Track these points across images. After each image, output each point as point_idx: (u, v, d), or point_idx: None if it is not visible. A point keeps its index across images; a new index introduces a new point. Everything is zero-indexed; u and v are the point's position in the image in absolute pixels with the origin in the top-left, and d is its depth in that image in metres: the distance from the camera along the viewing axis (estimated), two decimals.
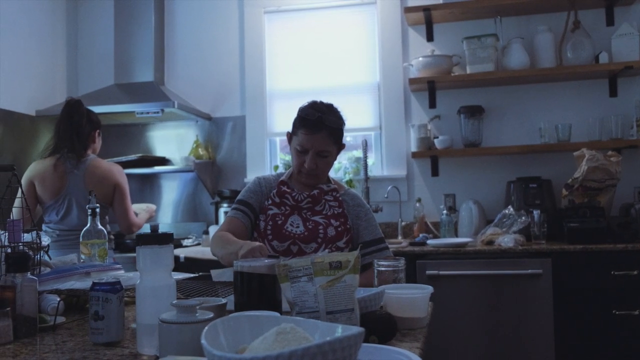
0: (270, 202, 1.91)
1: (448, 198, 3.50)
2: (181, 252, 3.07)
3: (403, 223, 3.52)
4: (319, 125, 1.82)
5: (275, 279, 1.17)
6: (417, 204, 3.48)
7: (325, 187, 1.92)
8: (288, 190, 1.91)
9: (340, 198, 1.92)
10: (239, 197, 1.96)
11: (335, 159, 1.94)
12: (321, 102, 1.91)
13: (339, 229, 1.87)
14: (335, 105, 1.95)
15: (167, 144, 3.94)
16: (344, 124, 1.92)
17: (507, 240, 2.88)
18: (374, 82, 3.73)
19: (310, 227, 1.85)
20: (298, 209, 1.89)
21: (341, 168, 3.65)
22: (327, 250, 1.80)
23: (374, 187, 3.57)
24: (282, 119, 3.80)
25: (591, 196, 3.07)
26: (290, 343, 0.76)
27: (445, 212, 3.36)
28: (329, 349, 0.71)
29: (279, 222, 1.87)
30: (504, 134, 3.54)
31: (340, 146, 1.92)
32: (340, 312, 1.09)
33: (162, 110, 3.43)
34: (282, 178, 1.96)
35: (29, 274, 1.27)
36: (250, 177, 3.75)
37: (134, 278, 1.33)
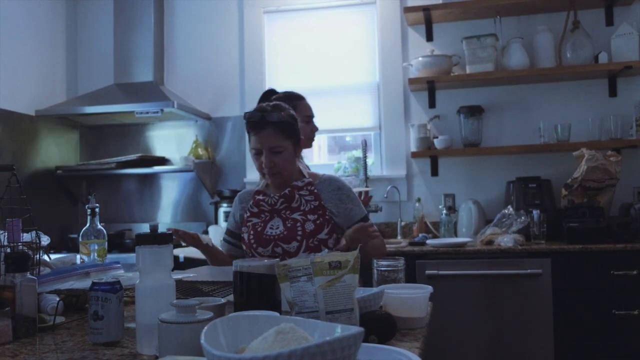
0: (248, 214, 1.96)
1: (448, 198, 3.50)
2: (181, 252, 3.06)
3: (402, 223, 3.52)
4: (262, 122, 1.82)
5: (275, 279, 1.17)
6: (417, 204, 3.48)
7: (300, 183, 1.92)
8: (262, 198, 1.94)
9: (315, 190, 1.91)
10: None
11: (294, 153, 1.90)
12: (268, 103, 1.90)
13: (317, 221, 1.86)
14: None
15: (167, 144, 3.94)
16: (292, 118, 1.88)
17: (506, 240, 2.88)
18: (373, 82, 3.73)
19: (289, 225, 1.87)
20: (277, 212, 1.91)
21: (341, 168, 3.66)
22: (312, 247, 1.83)
23: (373, 187, 3.57)
24: None
25: (591, 196, 3.07)
26: (289, 343, 0.76)
27: (444, 212, 3.36)
28: (328, 348, 0.71)
29: (259, 229, 1.90)
30: (503, 134, 3.54)
31: (296, 140, 1.89)
32: (339, 312, 1.09)
33: (162, 110, 3.43)
34: (257, 188, 2.00)
35: (28, 273, 1.27)
36: (250, 177, 3.75)
37: (134, 278, 1.33)
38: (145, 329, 1.07)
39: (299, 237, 1.83)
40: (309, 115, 2.29)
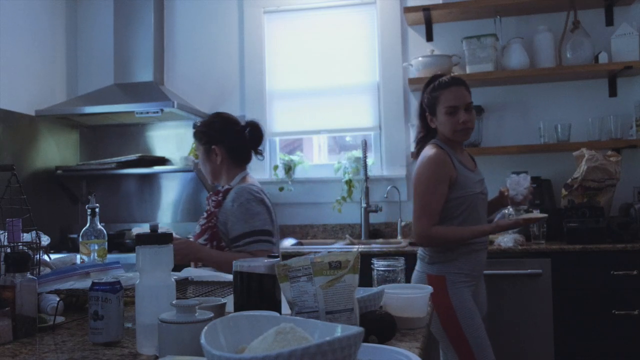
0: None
1: None
2: None
3: (403, 223, 3.52)
4: None
5: (275, 279, 1.17)
6: None
7: (221, 188, 2.10)
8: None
9: (220, 197, 2.04)
10: None
11: (208, 158, 2.18)
12: None
13: (203, 227, 2.03)
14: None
15: (167, 144, 3.94)
16: (205, 127, 2.16)
17: (506, 240, 2.88)
18: (373, 82, 3.73)
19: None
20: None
21: (341, 168, 3.65)
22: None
23: (373, 187, 3.57)
24: (282, 119, 3.79)
25: (591, 196, 3.07)
26: (289, 343, 0.76)
27: None
28: (328, 348, 0.71)
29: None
30: (503, 133, 3.54)
31: (207, 147, 2.16)
32: (339, 312, 1.09)
33: (162, 110, 3.43)
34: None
35: (28, 273, 1.27)
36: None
37: (134, 278, 1.33)
38: (145, 329, 1.07)
39: (192, 239, 2.04)
40: (450, 106, 2.15)
